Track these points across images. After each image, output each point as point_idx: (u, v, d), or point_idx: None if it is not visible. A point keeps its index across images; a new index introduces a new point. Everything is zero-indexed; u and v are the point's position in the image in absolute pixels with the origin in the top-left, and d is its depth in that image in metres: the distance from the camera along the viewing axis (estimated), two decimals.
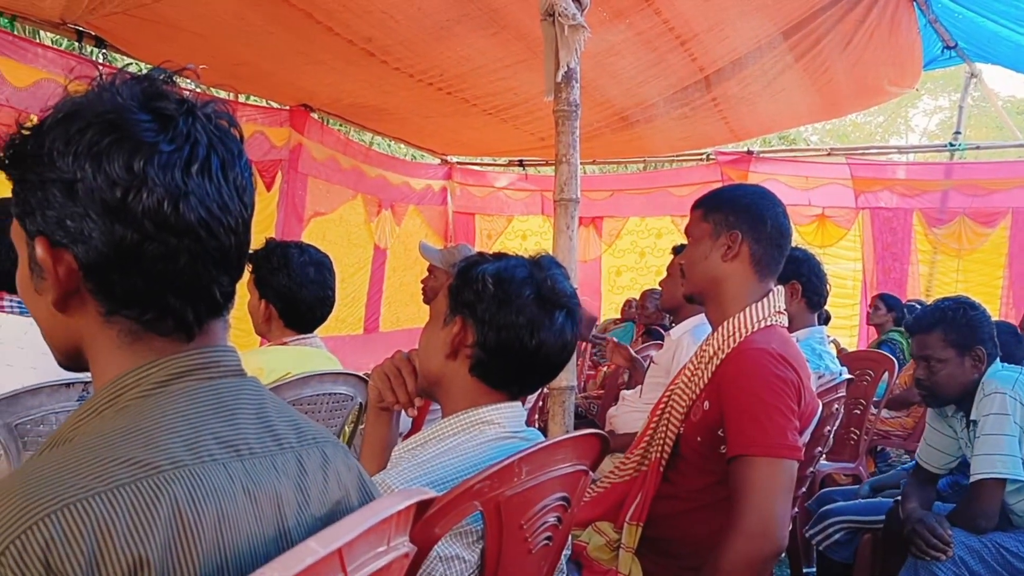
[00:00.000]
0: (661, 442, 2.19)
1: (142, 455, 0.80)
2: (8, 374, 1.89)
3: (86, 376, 1.95)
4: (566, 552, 1.74)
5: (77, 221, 0.84)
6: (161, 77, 0.89)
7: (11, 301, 2.05)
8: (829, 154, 9.48)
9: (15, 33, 6.60)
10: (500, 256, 1.65)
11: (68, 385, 1.89)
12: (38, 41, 7.30)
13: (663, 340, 4.53)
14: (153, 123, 0.85)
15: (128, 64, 8.44)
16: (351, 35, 5.81)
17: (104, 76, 0.89)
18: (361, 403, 2.71)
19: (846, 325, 8.58)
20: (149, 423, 0.83)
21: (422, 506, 1.03)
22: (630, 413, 3.64)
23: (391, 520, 0.94)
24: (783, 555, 3.67)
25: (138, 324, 0.88)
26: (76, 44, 6.76)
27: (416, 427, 2.89)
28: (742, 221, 2.18)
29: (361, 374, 2.71)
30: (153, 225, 0.84)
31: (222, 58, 6.25)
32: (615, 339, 4.45)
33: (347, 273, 8.32)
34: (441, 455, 1.53)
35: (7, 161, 0.89)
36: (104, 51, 6.75)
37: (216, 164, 0.87)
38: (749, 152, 9.03)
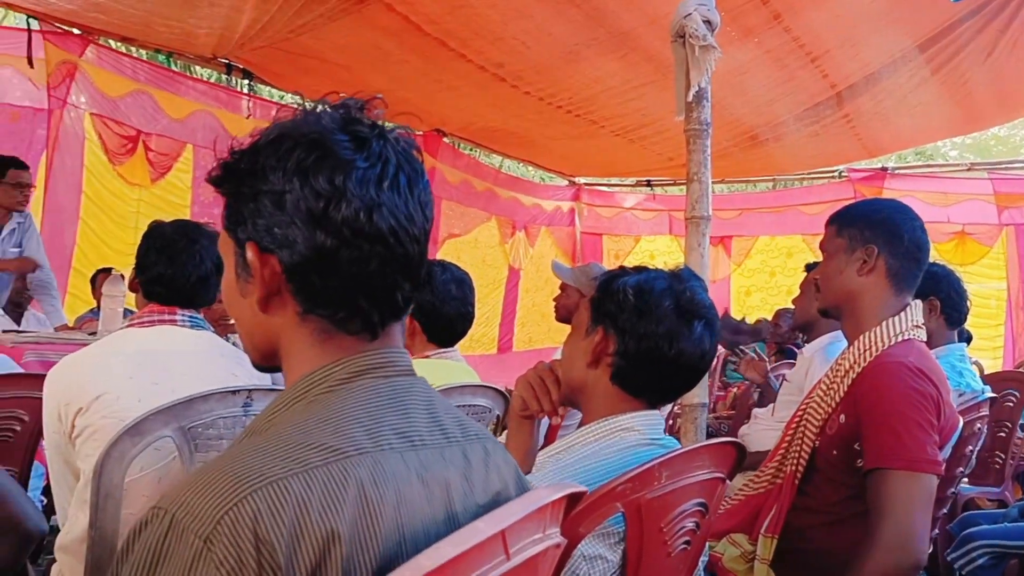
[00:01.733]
0: (796, 455, 2.20)
1: (331, 442, 0.90)
2: (182, 382, 2.05)
3: (250, 385, 2.11)
4: (703, 558, 1.78)
5: (284, 228, 0.95)
6: (355, 104, 1.00)
7: (183, 315, 2.22)
8: (970, 169, 9.15)
9: (171, 68, 7.03)
10: (640, 269, 1.72)
11: (234, 392, 2.03)
12: (191, 75, 7.77)
13: (795, 359, 4.48)
14: (351, 143, 0.96)
15: (271, 93, 8.87)
16: (483, 61, 5.98)
17: (307, 105, 1.01)
18: (498, 415, 2.80)
19: (989, 347, 8.24)
20: (335, 414, 0.93)
21: (570, 503, 1.10)
22: (763, 431, 3.62)
23: (546, 509, 1.02)
24: None
25: (330, 323, 0.99)
26: (225, 76, 7.16)
27: (550, 439, 2.97)
28: (877, 235, 2.18)
29: (499, 387, 2.81)
30: (350, 232, 0.94)
31: (360, 86, 6.41)
32: (754, 354, 4.43)
33: (481, 293, 8.49)
34: (583, 460, 1.60)
35: (223, 178, 1.01)
36: (251, 82, 7.11)
37: (404, 180, 0.97)
38: (883, 169, 8.82)
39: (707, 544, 1.85)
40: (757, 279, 9.85)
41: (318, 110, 0.99)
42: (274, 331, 1.01)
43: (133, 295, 2.40)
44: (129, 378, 2.04)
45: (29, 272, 5.04)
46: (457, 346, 2.89)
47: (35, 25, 5.74)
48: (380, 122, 1.01)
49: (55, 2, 5.38)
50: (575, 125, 7.34)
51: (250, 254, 0.98)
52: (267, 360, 1.05)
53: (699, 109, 3.06)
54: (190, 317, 2.23)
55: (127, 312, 4.07)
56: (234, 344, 2.51)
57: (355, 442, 0.91)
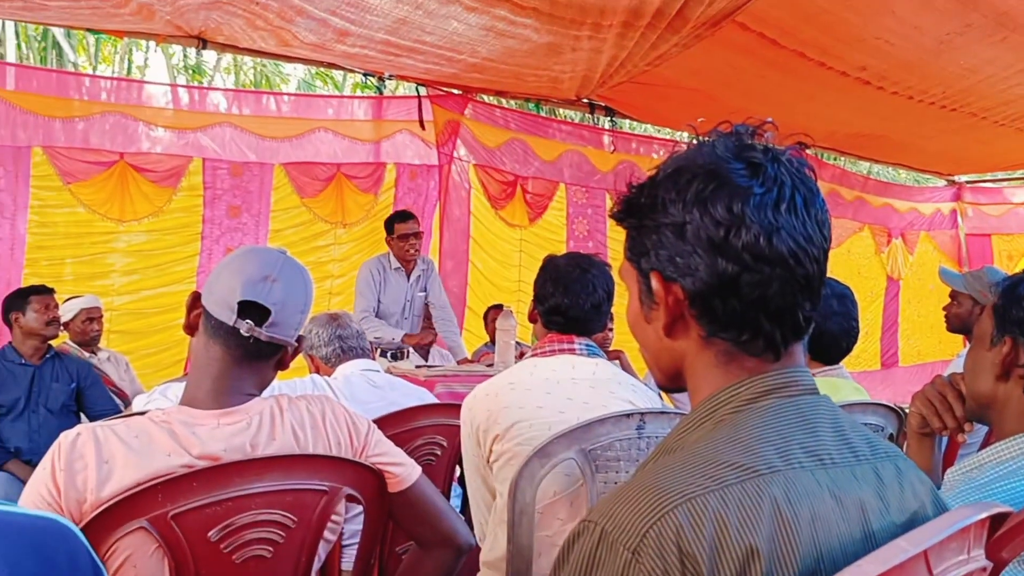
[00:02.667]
0: None
1: (743, 460, 0.92)
2: (583, 408, 2.17)
3: (641, 408, 2.20)
4: None
5: (686, 257, 1.00)
6: (746, 131, 1.03)
7: (580, 344, 2.34)
8: None
9: (540, 114, 7.49)
10: None
11: (628, 416, 2.12)
12: (557, 118, 8.23)
13: None
14: (746, 170, 0.99)
15: (631, 126, 9.12)
16: (844, 66, 5.75)
17: (700, 136, 1.05)
18: (891, 433, 2.67)
19: None
20: (744, 434, 0.96)
21: (992, 525, 1.04)
22: None
23: (969, 530, 0.97)
24: None
25: (733, 345, 1.02)
26: (588, 116, 7.50)
27: (948, 458, 2.76)
28: None
29: (890, 404, 2.68)
30: (751, 257, 0.97)
31: (715, 109, 6.50)
32: None
33: (859, 306, 8.15)
34: (1001, 479, 1.48)
35: (625, 212, 1.08)
36: (612, 118, 7.38)
37: (800, 202, 0.99)
38: None
39: None
40: None
41: (711, 140, 1.03)
42: (679, 355, 1.06)
43: (531, 325, 2.58)
44: (538, 407, 2.20)
45: (429, 343, 5.56)
46: (842, 363, 2.80)
47: (423, 91, 6.46)
48: (772, 145, 1.02)
49: (439, 69, 5.96)
50: (950, 120, 6.80)
51: (654, 283, 1.03)
52: (672, 382, 1.10)
53: None
54: (586, 345, 2.36)
55: (517, 344, 4.38)
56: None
57: (766, 460, 0.93)
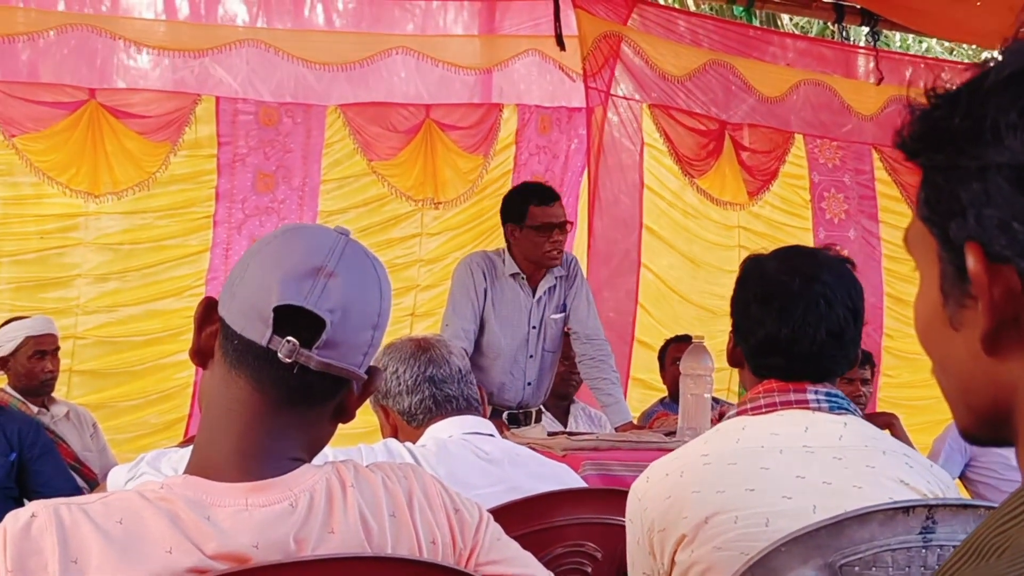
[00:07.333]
0: None
1: None
2: (822, 493, 2.15)
3: (931, 498, 2.15)
4: None
5: None
6: None
7: (817, 393, 2.28)
8: None
9: (752, 24, 7.37)
10: None
11: (907, 510, 2.05)
12: (780, 30, 8.12)
13: None
14: None
15: (905, 43, 8.94)
16: None
17: None
18: None
19: None
20: None
21: None
22: None
23: None
24: None
25: None
26: (832, 27, 7.36)
27: None
28: None
29: None
30: None
31: None
32: None
33: None
34: None
35: (925, 140, 1.02)
36: (873, 28, 7.17)
37: None
38: None
39: None
40: None
41: None
42: (1006, 384, 1.00)
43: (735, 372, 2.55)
44: (748, 490, 2.18)
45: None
46: None
47: None
48: None
49: None
50: None
51: (972, 263, 0.97)
52: (988, 429, 1.06)
53: None
54: (826, 395, 2.31)
55: (716, 402, 4.35)
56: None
57: None
